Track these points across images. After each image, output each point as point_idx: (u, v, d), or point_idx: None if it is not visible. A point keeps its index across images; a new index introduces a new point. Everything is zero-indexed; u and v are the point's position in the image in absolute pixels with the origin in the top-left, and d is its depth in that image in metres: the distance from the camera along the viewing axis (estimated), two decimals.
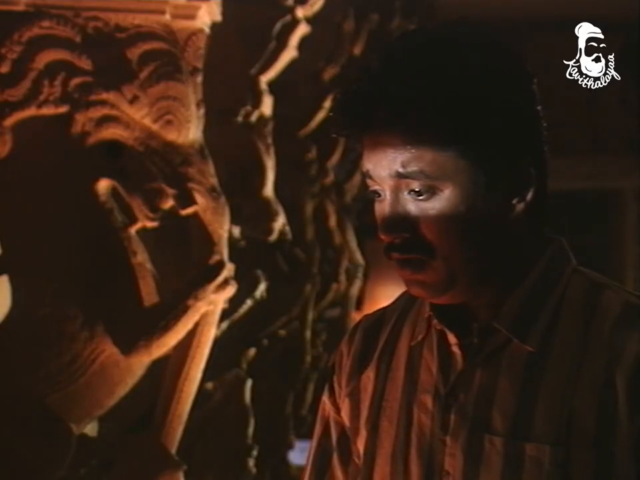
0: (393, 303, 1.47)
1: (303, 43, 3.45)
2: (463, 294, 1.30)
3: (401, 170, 1.26)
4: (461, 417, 1.29)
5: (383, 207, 1.29)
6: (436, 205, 1.26)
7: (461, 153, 1.25)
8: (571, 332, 1.28)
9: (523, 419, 1.26)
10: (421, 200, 1.26)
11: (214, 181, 2.33)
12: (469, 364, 1.30)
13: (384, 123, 1.25)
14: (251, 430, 3.23)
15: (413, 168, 1.25)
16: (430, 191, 1.26)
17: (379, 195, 1.30)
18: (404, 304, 1.44)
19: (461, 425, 1.29)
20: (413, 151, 1.25)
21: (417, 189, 1.26)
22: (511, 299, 1.30)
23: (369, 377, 1.40)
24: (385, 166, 1.27)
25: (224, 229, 2.35)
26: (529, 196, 1.29)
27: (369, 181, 1.31)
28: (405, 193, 1.27)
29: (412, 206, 1.27)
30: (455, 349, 1.32)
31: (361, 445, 1.39)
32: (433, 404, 1.32)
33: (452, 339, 1.32)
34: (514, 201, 1.29)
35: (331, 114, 1.33)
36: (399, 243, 1.28)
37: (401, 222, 1.27)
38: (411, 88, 1.24)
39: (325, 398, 1.46)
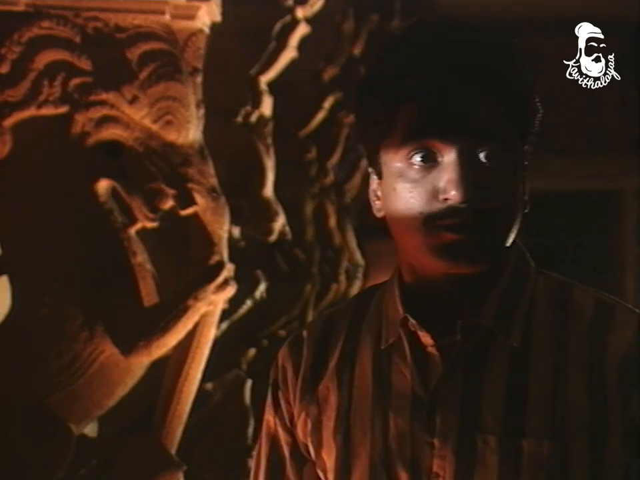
0: (342, 307, 1.44)
1: (303, 43, 3.46)
2: (481, 267, 1.28)
3: (482, 129, 1.25)
4: (448, 418, 1.28)
5: (441, 170, 1.26)
6: (505, 167, 1.27)
7: (519, 128, 1.29)
8: (548, 329, 1.30)
9: (515, 415, 1.26)
10: (495, 161, 1.26)
11: (214, 181, 2.33)
12: (450, 364, 1.29)
13: (472, 82, 1.26)
14: (250, 430, 3.22)
15: (492, 128, 1.26)
16: (501, 151, 1.26)
17: (425, 160, 1.26)
18: (355, 308, 1.41)
19: (449, 426, 1.28)
20: (493, 112, 1.26)
21: (494, 148, 1.26)
22: (491, 295, 1.30)
23: (328, 388, 1.37)
24: (460, 125, 1.25)
25: (224, 229, 2.35)
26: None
27: (419, 141, 1.26)
28: (476, 153, 1.26)
29: (484, 166, 1.25)
30: (432, 350, 1.30)
31: (328, 458, 1.36)
32: (411, 408, 1.30)
33: (428, 340, 1.30)
34: (525, 195, 1.32)
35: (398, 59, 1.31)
36: (478, 196, 1.24)
37: (479, 177, 1.25)
38: (494, 61, 1.27)
39: (270, 416, 1.43)
